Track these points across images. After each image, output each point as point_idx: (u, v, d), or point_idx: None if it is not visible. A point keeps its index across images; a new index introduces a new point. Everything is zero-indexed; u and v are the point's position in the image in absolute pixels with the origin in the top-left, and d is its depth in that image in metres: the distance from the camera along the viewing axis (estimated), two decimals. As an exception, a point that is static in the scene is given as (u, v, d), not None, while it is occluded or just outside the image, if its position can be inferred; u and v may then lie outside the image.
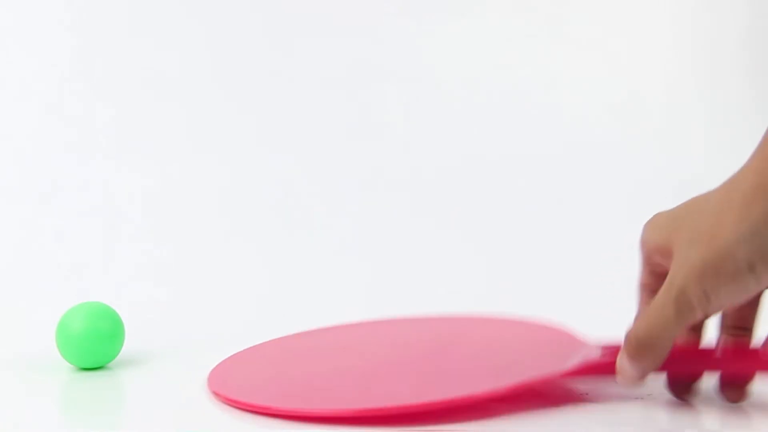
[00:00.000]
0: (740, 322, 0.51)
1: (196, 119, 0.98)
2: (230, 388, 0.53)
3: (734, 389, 0.50)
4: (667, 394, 0.52)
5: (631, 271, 0.53)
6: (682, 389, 0.51)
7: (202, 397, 0.53)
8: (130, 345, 0.61)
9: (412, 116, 1.01)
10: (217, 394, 0.52)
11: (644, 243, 0.51)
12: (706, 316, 0.48)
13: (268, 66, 1.00)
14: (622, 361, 0.49)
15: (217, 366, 0.57)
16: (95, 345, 0.58)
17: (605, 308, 0.64)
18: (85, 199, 0.92)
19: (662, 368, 0.49)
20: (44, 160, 0.94)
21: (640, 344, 0.48)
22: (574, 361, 0.51)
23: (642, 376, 0.49)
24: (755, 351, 0.50)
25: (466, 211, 0.94)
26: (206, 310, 0.77)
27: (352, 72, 1.01)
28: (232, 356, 0.59)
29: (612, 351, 0.51)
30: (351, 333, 0.64)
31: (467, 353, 0.58)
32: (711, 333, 0.52)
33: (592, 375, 0.51)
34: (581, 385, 0.54)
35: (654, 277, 0.51)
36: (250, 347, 0.62)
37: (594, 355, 0.52)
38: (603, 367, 0.50)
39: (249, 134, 0.98)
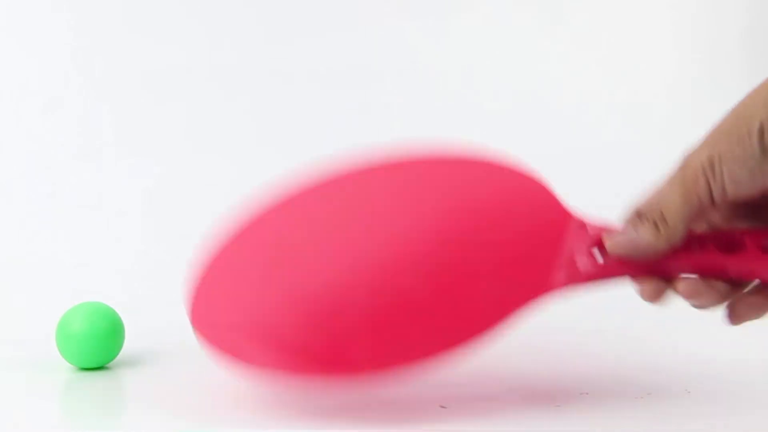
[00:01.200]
0: None
1: (196, 119, 0.98)
2: (215, 329, 0.51)
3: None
4: (667, 393, 0.52)
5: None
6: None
7: (202, 397, 0.53)
8: (130, 345, 0.61)
9: (411, 115, 1.01)
10: (203, 334, 0.50)
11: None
12: (712, 197, 0.44)
13: (267, 65, 1.00)
14: (622, 235, 0.47)
15: (196, 290, 0.54)
16: (95, 345, 0.58)
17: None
18: (84, 198, 0.92)
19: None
20: (43, 160, 0.94)
21: (641, 214, 0.46)
22: (564, 268, 0.49)
23: (641, 250, 0.46)
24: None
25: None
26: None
27: (350, 70, 1.01)
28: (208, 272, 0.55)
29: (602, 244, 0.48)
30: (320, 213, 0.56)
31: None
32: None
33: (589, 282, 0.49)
34: (581, 385, 0.54)
35: None
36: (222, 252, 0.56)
37: (583, 239, 0.49)
38: (603, 271, 0.48)
39: (248, 133, 0.98)
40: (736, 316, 0.48)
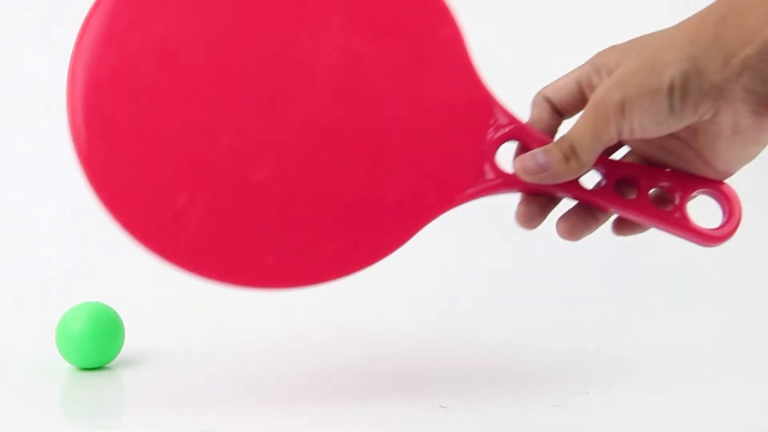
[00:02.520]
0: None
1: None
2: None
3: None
4: (669, 392, 0.52)
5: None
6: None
7: (202, 397, 0.53)
8: (130, 345, 0.61)
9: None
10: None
11: (594, 63, 0.49)
12: (620, 135, 0.46)
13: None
14: (532, 160, 0.48)
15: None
16: (95, 345, 0.58)
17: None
18: (84, 198, 0.92)
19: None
20: (43, 159, 0.94)
21: (550, 148, 0.48)
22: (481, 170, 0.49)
23: (548, 178, 0.48)
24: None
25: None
26: (206, 310, 0.77)
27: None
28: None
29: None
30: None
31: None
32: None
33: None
34: (581, 385, 0.54)
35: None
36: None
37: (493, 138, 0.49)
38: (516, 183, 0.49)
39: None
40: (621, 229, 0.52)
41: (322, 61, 0.48)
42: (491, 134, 0.49)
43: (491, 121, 0.49)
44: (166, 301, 0.79)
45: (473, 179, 0.49)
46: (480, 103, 0.49)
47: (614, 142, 0.47)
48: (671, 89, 0.44)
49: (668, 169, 0.50)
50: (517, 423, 0.48)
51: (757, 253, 0.86)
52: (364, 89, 0.48)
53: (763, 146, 0.46)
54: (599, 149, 0.47)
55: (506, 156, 0.50)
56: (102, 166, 0.47)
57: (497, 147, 0.50)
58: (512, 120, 0.50)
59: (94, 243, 0.88)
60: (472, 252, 0.88)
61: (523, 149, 0.50)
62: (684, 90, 0.43)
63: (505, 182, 0.49)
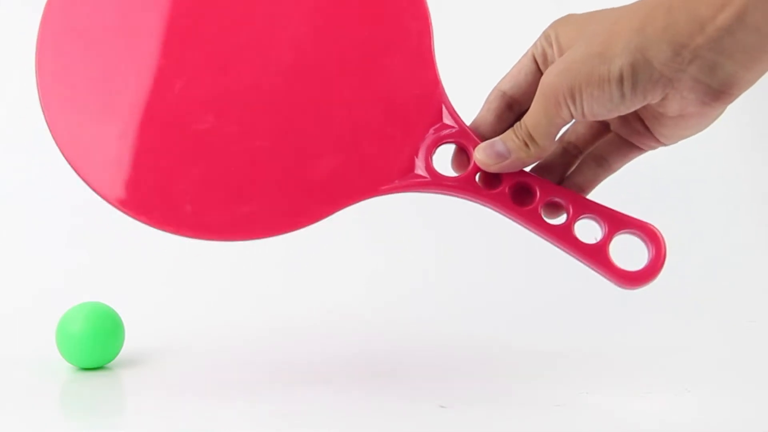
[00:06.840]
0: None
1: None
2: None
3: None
4: (668, 392, 0.52)
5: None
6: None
7: (202, 397, 0.53)
8: (130, 345, 0.61)
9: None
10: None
11: (547, 35, 0.49)
12: (572, 118, 0.47)
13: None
14: (491, 149, 0.49)
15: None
16: (95, 345, 0.58)
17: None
18: (84, 198, 0.92)
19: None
20: (43, 159, 0.94)
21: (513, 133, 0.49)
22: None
23: (511, 165, 0.49)
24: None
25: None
26: (206, 310, 0.77)
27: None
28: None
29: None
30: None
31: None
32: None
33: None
34: (581, 385, 0.54)
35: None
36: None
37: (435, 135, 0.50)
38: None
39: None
40: None
41: (288, 33, 0.50)
42: (432, 133, 0.50)
43: (435, 121, 0.50)
44: (166, 301, 0.79)
45: (403, 173, 0.50)
46: (428, 102, 0.50)
47: (567, 124, 0.48)
48: (620, 80, 0.44)
49: (600, 204, 0.50)
50: (517, 423, 0.48)
51: (758, 253, 0.86)
52: (320, 66, 0.50)
53: (706, 126, 0.47)
54: (555, 132, 0.48)
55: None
56: (54, 87, 0.50)
57: (435, 146, 0.50)
58: (457, 122, 0.50)
59: (94, 243, 0.88)
60: (473, 251, 0.88)
61: (461, 152, 0.51)
62: (634, 80, 0.44)
63: (435, 182, 0.50)
